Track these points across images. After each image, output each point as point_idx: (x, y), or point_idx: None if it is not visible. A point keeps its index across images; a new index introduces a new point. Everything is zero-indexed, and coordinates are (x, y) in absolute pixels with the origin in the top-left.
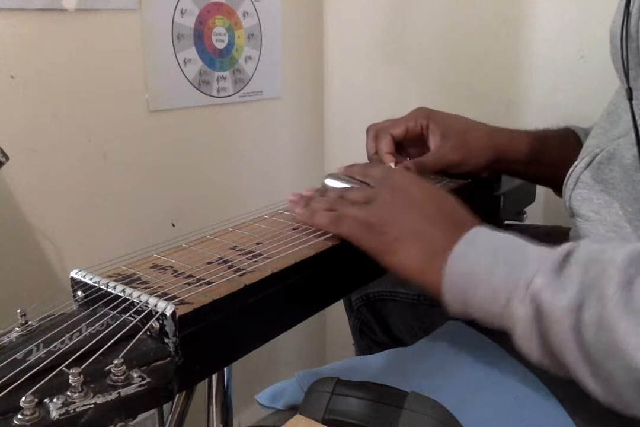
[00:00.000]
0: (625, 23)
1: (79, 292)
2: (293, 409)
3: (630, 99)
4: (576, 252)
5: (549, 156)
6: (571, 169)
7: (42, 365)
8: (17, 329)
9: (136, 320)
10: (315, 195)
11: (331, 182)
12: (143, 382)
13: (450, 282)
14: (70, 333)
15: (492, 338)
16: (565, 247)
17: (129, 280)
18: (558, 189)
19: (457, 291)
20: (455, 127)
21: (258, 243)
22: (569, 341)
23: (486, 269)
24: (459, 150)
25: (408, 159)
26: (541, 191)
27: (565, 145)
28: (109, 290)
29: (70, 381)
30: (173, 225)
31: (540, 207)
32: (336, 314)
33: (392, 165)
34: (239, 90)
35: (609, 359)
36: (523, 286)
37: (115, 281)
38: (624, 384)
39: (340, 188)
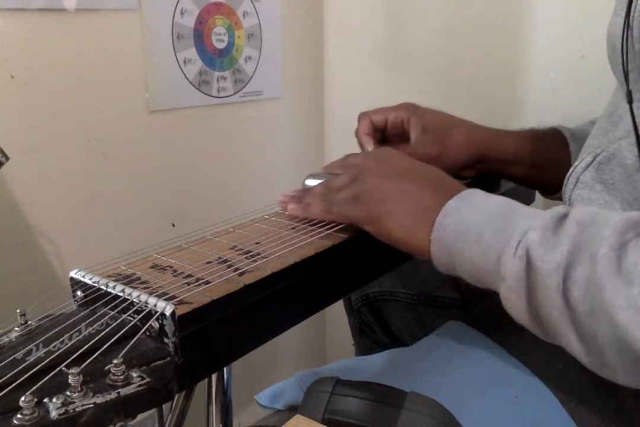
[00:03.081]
0: (626, 25)
1: (79, 292)
2: (293, 409)
3: (630, 102)
4: (572, 213)
5: (534, 156)
6: (571, 169)
7: (41, 365)
8: (16, 329)
9: (136, 320)
10: (302, 195)
11: (312, 182)
12: (142, 382)
13: (440, 236)
14: (70, 333)
15: (493, 338)
16: (559, 208)
17: (129, 280)
18: (544, 191)
19: (446, 246)
20: (437, 122)
21: (257, 243)
22: (556, 299)
23: (478, 224)
24: (436, 144)
25: None
26: None
27: (551, 146)
28: (109, 290)
29: (69, 381)
30: (173, 225)
31: (540, 207)
32: (336, 314)
33: (370, 146)
34: (239, 90)
35: (594, 319)
36: (515, 241)
37: (114, 280)
38: (606, 345)
39: (324, 181)
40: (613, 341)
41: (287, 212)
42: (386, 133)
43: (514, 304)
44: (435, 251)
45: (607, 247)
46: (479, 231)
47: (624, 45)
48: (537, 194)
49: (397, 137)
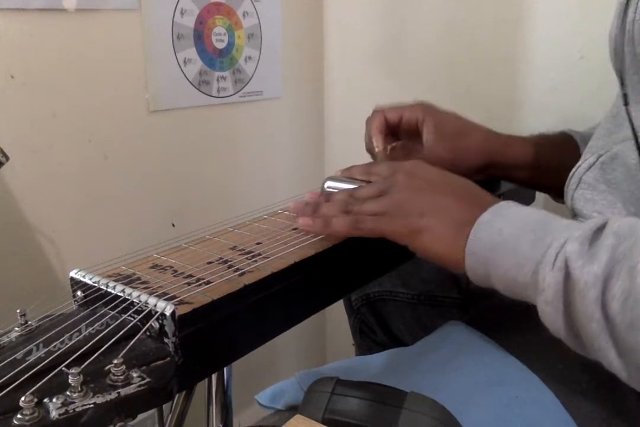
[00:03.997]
0: (623, 28)
1: (79, 292)
2: (293, 409)
3: (625, 104)
4: (610, 224)
5: (546, 162)
6: (574, 170)
7: (41, 365)
8: (16, 329)
9: (136, 320)
10: (321, 201)
11: (332, 185)
12: (143, 382)
13: (475, 248)
14: (70, 333)
15: (493, 338)
16: (597, 219)
17: (129, 280)
18: (556, 194)
19: (482, 258)
20: (451, 126)
21: (258, 243)
22: (595, 311)
23: (513, 236)
24: (450, 149)
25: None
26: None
27: (562, 151)
28: (109, 290)
29: (69, 381)
30: (173, 225)
31: (540, 207)
32: (336, 314)
33: (380, 144)
34: (239, 90)
35: (633, 332)
36: (553, 253)
37: (115, 280)
38: None
39: (347, 189)
40: None
41: (300, 228)
42: (399, 130)
43: (551, 317)
44: (471, 263)
45: None
46: (515, 243)
47: (620, 48)
48: (537, 195)
49: (410, 135)
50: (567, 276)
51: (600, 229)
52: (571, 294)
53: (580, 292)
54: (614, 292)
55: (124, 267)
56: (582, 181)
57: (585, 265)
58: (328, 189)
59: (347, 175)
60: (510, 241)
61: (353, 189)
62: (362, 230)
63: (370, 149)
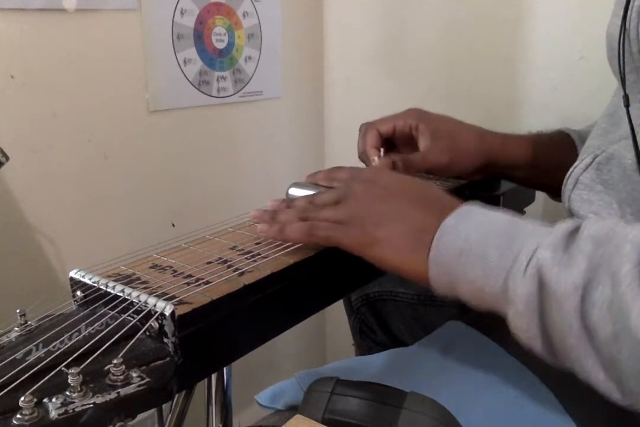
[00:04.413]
0: (623, 27)
1: (78, 292)
2: (293, 409)
3: (627, 105)
4: (584, 228)
5: (543, 160)
6: (570, 170)
7: (41, 365)
8: (16, 329)
9: (135, 320)
10: (281, 207)
11: (295, 192)
12: (142, 382)
13: (438, 256)
14: (70, 333)
15: (493, 338)
16: (568, 223)
17: (129, 280)
18: (553, 193)
19: (446, 266)
20: (446, 129)
21: (257, 243)
22: (573, 320)
23: (480, 242)
24: (448, 152)
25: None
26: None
27: (559, 149)
28: (108, 290)
29: (69, 381)
30: (173, 225)
31: (540, 207)
32: (336, 314)
33: (376, 159)
34: (239, 90)
35: (615, 342)
36: (524, 260)
37: (114, 280)
38: (628, 370)
39: (307, 195)
40: (636, 365)
41: (258, 235)
42: (393, 140)
43: (524, 328)
44: (433, 272)
45: (629, 265)
46: (482, 250)
47: (621, 48)
48: (537, 195)
49: (405, 143)
50: (541, 285)
51: (573, 234)
52: (546, 305)
53: (556, 302)
54: (593, 300)
55: (123, 267)
56: (578, 182)
57: (561, 272)
58: (291, 195)
59: (310, 180)
60: (476, 248)
61: (312, 195)
62: (315, 238)
63: (363, 161)
